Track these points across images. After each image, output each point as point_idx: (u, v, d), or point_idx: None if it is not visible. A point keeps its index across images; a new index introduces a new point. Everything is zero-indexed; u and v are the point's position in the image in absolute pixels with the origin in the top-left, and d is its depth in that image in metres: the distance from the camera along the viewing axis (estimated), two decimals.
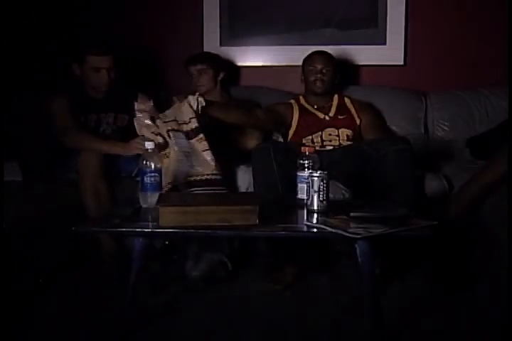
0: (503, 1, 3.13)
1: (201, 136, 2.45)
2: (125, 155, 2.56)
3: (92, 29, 3.25)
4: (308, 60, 3.02)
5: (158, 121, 2.44)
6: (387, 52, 3.30)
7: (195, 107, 2.47)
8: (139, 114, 2.47)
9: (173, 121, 2.45)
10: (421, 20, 3.29)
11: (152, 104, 2.50)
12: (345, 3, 3.29)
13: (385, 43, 3.29)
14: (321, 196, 1.97)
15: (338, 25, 3.30)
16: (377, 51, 3.29)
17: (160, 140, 2.41)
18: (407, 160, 2.45)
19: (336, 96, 3.04)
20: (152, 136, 2.42)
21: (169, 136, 2.41)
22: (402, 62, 3.31)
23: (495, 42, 3.23)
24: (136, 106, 2.49)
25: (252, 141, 2.75)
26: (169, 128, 2.42)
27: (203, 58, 3.08)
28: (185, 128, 2.46)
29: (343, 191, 2.59)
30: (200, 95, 2.53)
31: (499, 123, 2.95)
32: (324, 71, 2.96)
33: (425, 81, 3.31)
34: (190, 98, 2.49)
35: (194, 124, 2.45)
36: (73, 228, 1.85)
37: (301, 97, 3.05)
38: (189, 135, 2.45)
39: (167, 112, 2.48)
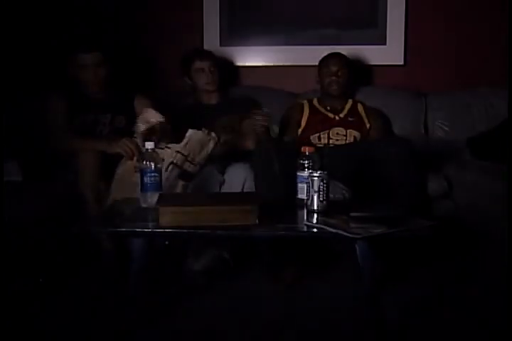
0: (503, 1, 3.14)
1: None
2: (108, 151, 2.52)
3: (91, 28, 3.24)
4: (324, 62, 3.03)
5: (170, 149, 2.39)
6: (387, 52, 3.30)
7: (210, 148, 2.46)
8: (140, 123, 2.45)
9: (183, 156, 2.40)
10: (421, 20, 3.29)
11: (163, 119, 2.45)
12: (345, 3, 3.29)
13: (385, 43, 3.29)
14: (321, 196, 1.97)
15: (338, 25, 3.30)
16: (377, 51, 3.29)
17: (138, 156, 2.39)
18: (409, 161, 2.46)
19: (350, 100, 3.05)
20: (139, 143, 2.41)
21: (167, 168, 2.35)
22: (402, 62, 3.31)
23: (495, 42, 3.23)
24: (146, 115, 2.45)
25: (250, 142, 2.76)
26: (175, 161, 2.39)
27: (210, 54, 3.01)
28: (187, 166, 2.42)
29: (343, 191, 2.59)
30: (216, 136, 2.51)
31: (499, 123, 2.95)
32: (339, 73, 2.97)
33: (425, 81, 3.31)
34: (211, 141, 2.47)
35: (194, 168, 2.43)
36: (73, 228, 1.85)
37: (315, 99, 3.07)
38: (183, 176, 2.41)
39: (187, 145, 2.42)
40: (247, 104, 2.98)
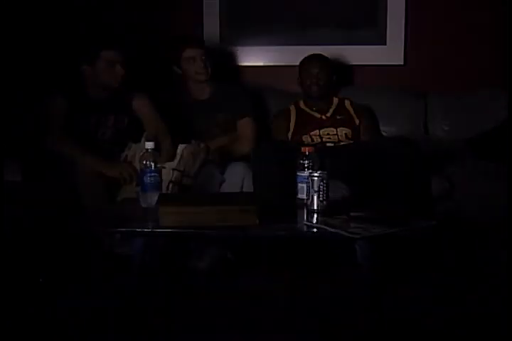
0: (503, 1, 3.14)
1: None
2: (106, 174, 2.51)
3: (92, 29, 3.24)
4: (303, 64, 3.03)
5: (165, 168, 2.39)
6: (387, 52, 3.30)
7: (202, 158, 2.50)
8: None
9: (180, 172, 2.43)
10: (421, 20, 3.29)
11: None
12: (344, 3, 3.29)
13: (385, 43, 3.29)
14: (321, 196, 1.98)
15: (338, 25, 3.29)
16: (377, 51, 3.29)
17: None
18: (416, 162, 2.47)
19: (335, 98, 3.05)
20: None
21: (167, 187, 2.37)
22: (402, 62, 3.31)
23: (495, 42, 3.23)
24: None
25: (244, 147, 2.77)
26: (173, 179, 2.40)
27: (201, 41, 2.95)
28: (185, 181, 2.45)
29: (344, 190, 2.59)
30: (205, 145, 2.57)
31: (499, 123, 2.95)
32: (320, 75, 2.97)
33: (425, 81, 3.31)
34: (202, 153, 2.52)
35: (191, 180, 2.47)
36: (73, 228, 1.85)
37: (301, 101, 3.06)
38: (182, 190, 2.44)
39: (180, 161, 2.46)
40: (241, 99, 2.93)
